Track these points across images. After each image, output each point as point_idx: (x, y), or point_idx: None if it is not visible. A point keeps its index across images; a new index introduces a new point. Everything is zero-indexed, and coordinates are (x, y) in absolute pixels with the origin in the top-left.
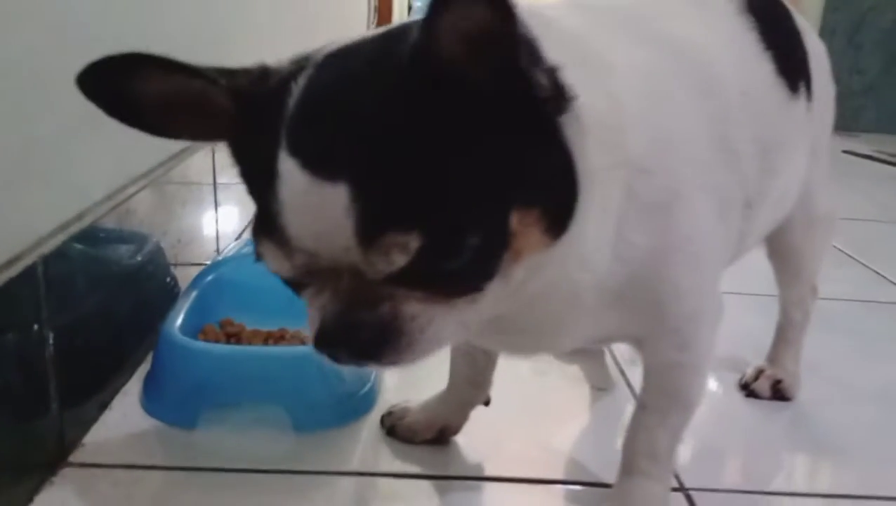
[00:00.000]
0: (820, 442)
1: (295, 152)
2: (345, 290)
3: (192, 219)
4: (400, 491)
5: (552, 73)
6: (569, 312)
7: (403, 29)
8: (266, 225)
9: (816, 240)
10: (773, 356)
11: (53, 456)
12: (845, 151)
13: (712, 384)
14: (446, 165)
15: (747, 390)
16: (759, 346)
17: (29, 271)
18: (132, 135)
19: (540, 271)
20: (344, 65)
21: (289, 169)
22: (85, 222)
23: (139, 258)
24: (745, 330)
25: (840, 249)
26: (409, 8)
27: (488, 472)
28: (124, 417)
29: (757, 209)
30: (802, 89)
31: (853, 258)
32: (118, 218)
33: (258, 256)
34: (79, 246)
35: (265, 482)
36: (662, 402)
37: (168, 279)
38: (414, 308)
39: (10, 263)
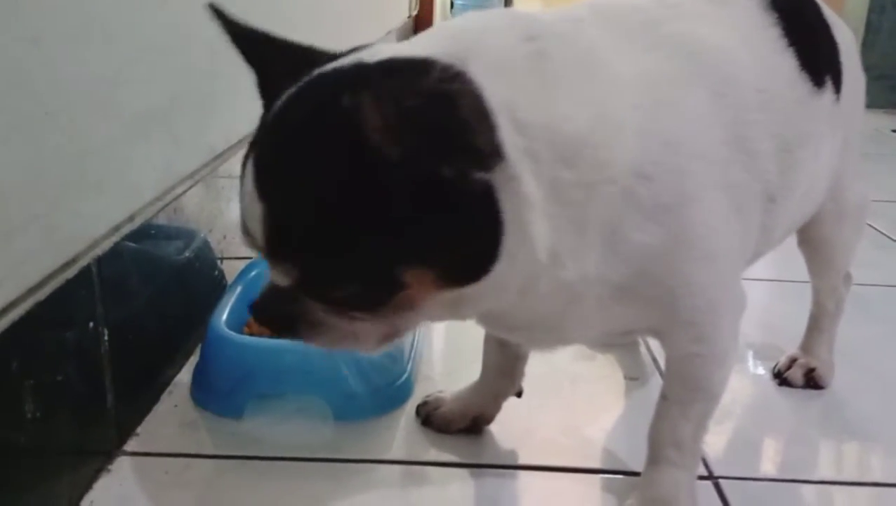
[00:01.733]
0: (852, 430)
1: (254, 162)
2: (275, 280)
3: (237, 214)
4: (435, 479)
5: (489, 136)
6: (571, 307)
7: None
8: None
9: (847, 231)
10: (807, 345)
11: (110, 445)
12: (895, 130)
13: (744, 372)
14: (337, 219)
15: (780, 378)
16: (793, 333)
17: (84, 272)
18: (178, 138)
19: (470, 302)
20: (299, 101)
21: (247, 172)
22: (136, 223)
23: (188, 254)
24: (778, 317)
25: (882, 232)
26: None
27: (521, 460)
28: (175, 407)
29: (782, 203)
30: (830, 82)
31: (890, 238)
32: (167, 217)
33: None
34: (130, 244)
35: (307, 470)
36: (683, 393)
37: (216, 273)
38: (316, 315)
39: (68, 265)
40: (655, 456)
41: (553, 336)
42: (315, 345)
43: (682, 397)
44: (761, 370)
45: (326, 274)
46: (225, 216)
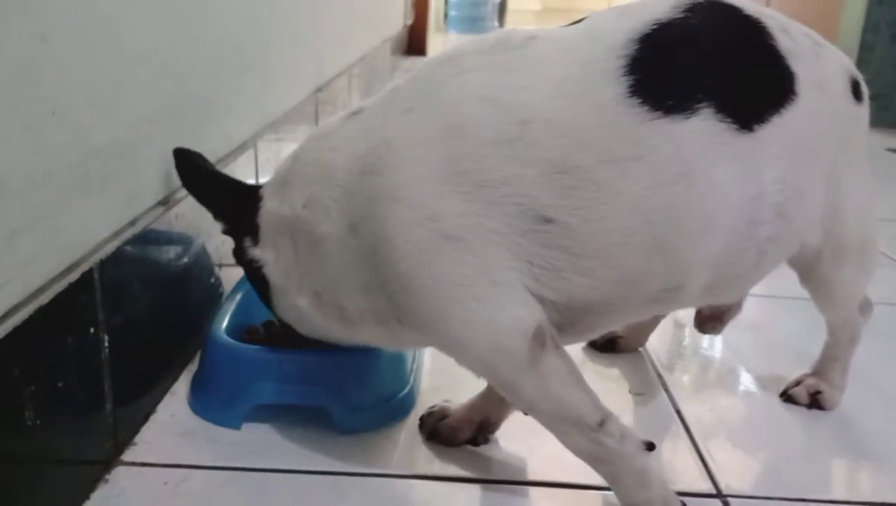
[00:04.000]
0: (860, 449)
1: None
2: None
3: None
4: (439, 493)
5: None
6: (383, 329)
7: None
8: None
9: (849, 270)
10: (820, 369)
11: (108, 454)
12: (890, 150)
13: (749, 391)
14: None
15: (785, 395)
16: (796, 352)
17: (86, 277)
18: (180, 142)
19: (289, 322)
20: None
21: None
22: (137, 228)
23: (186, 260)
24: (781, 335)
25: (882, 253)
26: (446, 2)
27: (527, 476)
28: (172, 417)
29: (578, 223)
30: (706, 111)
31: (894, 260)
32: (167, 222)
33: None
34: (130, 248)
35: (309, 483)
36: (531, 414)
37: (213, 280)
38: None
39: (70, 268)
40: (601, 476)
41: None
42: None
43: (536, 417)
44: (769, 389)
45: None
46: None
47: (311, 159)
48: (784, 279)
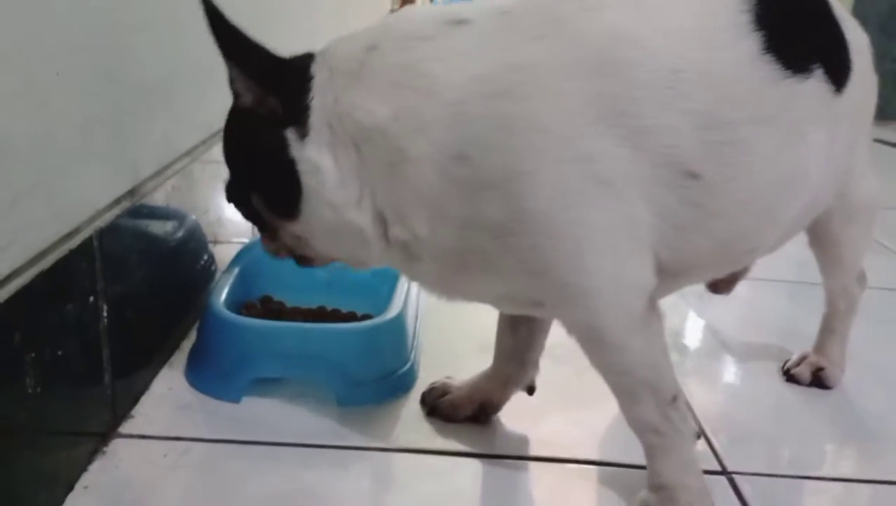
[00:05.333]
0: (860, 428)
1: None
2: None
3: None
4: (440, 468)
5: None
6: (420, 267)
7: None
8: None
9: (856, 229)
10: (819, 345)
11: (106, 426)
12: (876, 140)
13: (752, 369)
14: (230, 147)
15: (788, 375)
16: (803, 335)
17: (86, 244)
18: (177, 114)
19: (317, 238)
20: None
21: None
22: (136, 198)
23: (181, 235)
24: (788, 319)
25: (875, 240)
26: None
27: (528, 451)
28: (170, 390)
29: (718, 181)
30: (818, 73)
31: (887, 247)
32: (164, 196)
33: None
34: (127, 220)
35: (309, 456)
36: (614, 380)
37: (206, 256)
38: (268, 237)
39: (70, 235)
40: (645, 447)
41: (451, 291)
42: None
43: (617, 384)
44: (771, 370)
45: (232, 196)
46: (218, 199)
47: (401, 62)
48: (785, 264)
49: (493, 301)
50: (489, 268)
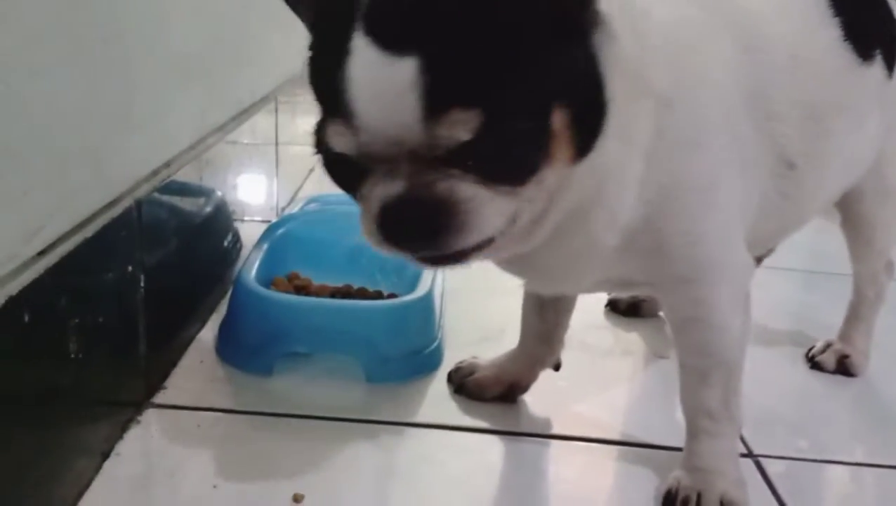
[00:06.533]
0: (883, 415)
1: (368, 30)
2: (404, 174)
3: (256, 176)
4: (467, 444)
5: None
6: (586, 252)
7: None
8: (334, 105)
9: (888, 212)
10: (844, 333)
11: (140, 396)
12: None
13: (777, 356)
14: (506, 52)
15: (812, 362)
16: (828, 324)
17: (126, 214)
18: (212, 89)
19: (563, 192)
20: None
21: (360, 45)
22: (173, 170)
23: (210, 210)
24: (814, 308)
25: None
26: None
27: (555, 430)
28: (201, 363)
29: (808, 172)
30: (878, 58)
31: None
32: (197, 170)
33: (321, 142)
34: (162, 194)
35: (337, 429)
36: (695, 360)
37: (232, 233)
38: (468, 190)
39: (113, 203)
40: (692, 428)
41: (561, 278)
42: (455, 243)
43: (696, 365)
44: (795, 356)
45: (507, 113)
46: (245, 176)
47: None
48: (797, 253)
49: (593, 287)
50: (635, 247)
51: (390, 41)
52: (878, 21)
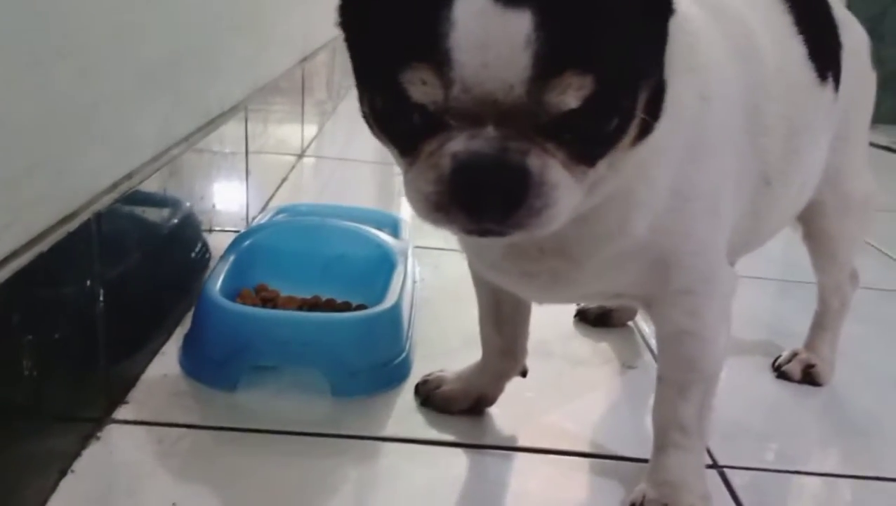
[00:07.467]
0: (848, 425)
1: None
2: (493, 135)
3: (225, 186)
4: (434, 458)
5: None
6: (604, 244)
7: None
8: (423, 49)
9: (851, 225)
10: (810, 342)
11: (101, 412)
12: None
13: (745, 367)
14: (616, 21)
15: (779, 371)
16: (796, 333)
17: (84, 227)
18: (177, 98)
19: (611, 177)
20: None
21: None
22: (134, 182)
23: (176, 222)
24: (781, 317)
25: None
26: None
27: (521, 442)
28: (164, 377)
29: (778, 190)
30: (830, 78)
31: (874, 247)
32: (162, 181)
33: (387, 86)
34: (125, 205)
35: (303, 444)
36: (678, 374)
37: (200, 244)
38: (558, 174)
39: (70, 217)
40: (661, 441)
41: (554, 286)
42: (530, 223)
43: (677, 379)
44: (761, 366)
45: (616, 86)
46: (214, 186)
47: None
48: (772, 262)
49: (585, 298)
50: (639, 256)
51: None
52: (829, 42)
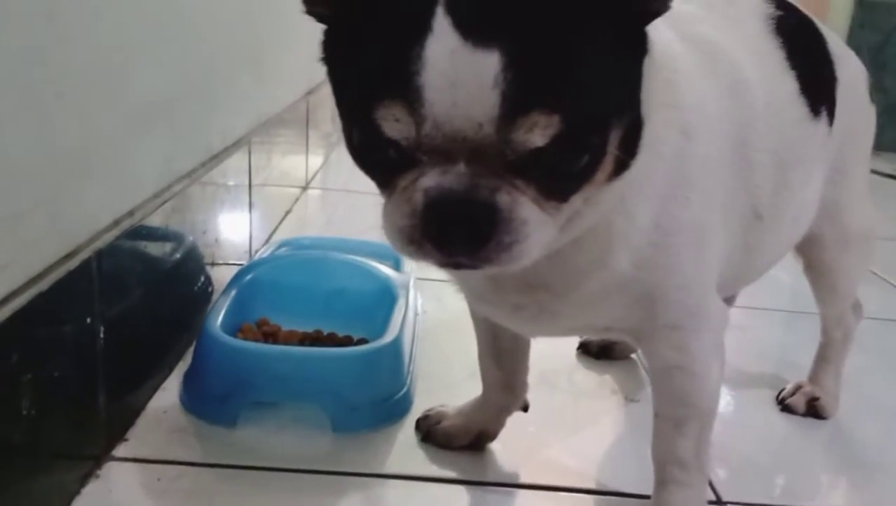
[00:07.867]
0: (854, 458)
1: (452, 12)
2: (463, 172)
3: (228, 219)
4: (435, 495)
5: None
6: (585, 278)
7: None
8: (396, 87)
9: (851, 258)
10: (814, 374)
11: (100, 449)
12: (872, 171)
13: (749, 398)
14: (586, 60)
15: (783, 404)
16: (800, 365)
17: (84, 266)
18: (178, 135)
19: (588, 210)
20: None
21: (442, 27)
22: (136, 219)
23: (179, 256)
24: (785, 348)
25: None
26: None
27: (523, 479)
28: (164, 413)
29: (769, 224)
30: (824, 112)
31: (878, 276)
32: (164, 216)
33: (364, 121)
34: (126, 241)
35: (303, 481)
36: (673, 409)
37: (203, 278)
38: (527, 211)
39: (70, 256)
40: (661, 477)
41: (540, 319)
42: (501, 259)
43: (672, 414)
44: (766, 399)
45: (584, 125)
46: (217, 220)
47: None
48: (779, 293)
49: (574, 332)
50: (624, 290)
51: (477, 29)
52: (823, 77)
